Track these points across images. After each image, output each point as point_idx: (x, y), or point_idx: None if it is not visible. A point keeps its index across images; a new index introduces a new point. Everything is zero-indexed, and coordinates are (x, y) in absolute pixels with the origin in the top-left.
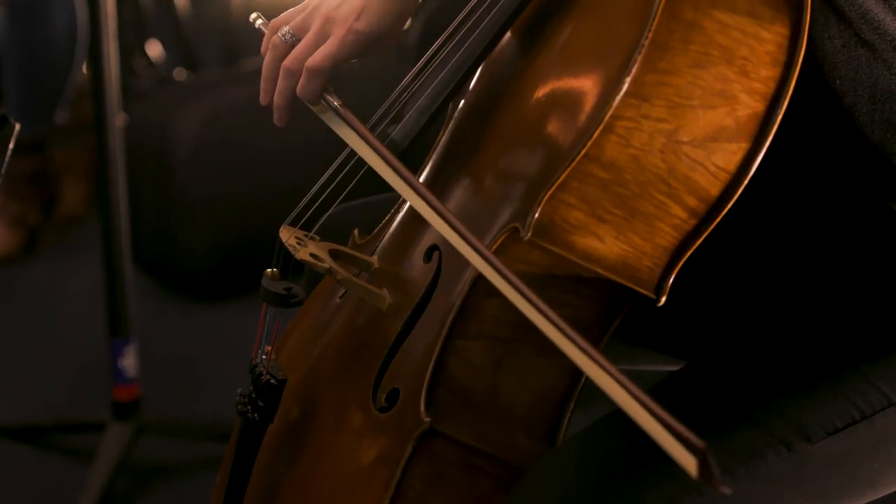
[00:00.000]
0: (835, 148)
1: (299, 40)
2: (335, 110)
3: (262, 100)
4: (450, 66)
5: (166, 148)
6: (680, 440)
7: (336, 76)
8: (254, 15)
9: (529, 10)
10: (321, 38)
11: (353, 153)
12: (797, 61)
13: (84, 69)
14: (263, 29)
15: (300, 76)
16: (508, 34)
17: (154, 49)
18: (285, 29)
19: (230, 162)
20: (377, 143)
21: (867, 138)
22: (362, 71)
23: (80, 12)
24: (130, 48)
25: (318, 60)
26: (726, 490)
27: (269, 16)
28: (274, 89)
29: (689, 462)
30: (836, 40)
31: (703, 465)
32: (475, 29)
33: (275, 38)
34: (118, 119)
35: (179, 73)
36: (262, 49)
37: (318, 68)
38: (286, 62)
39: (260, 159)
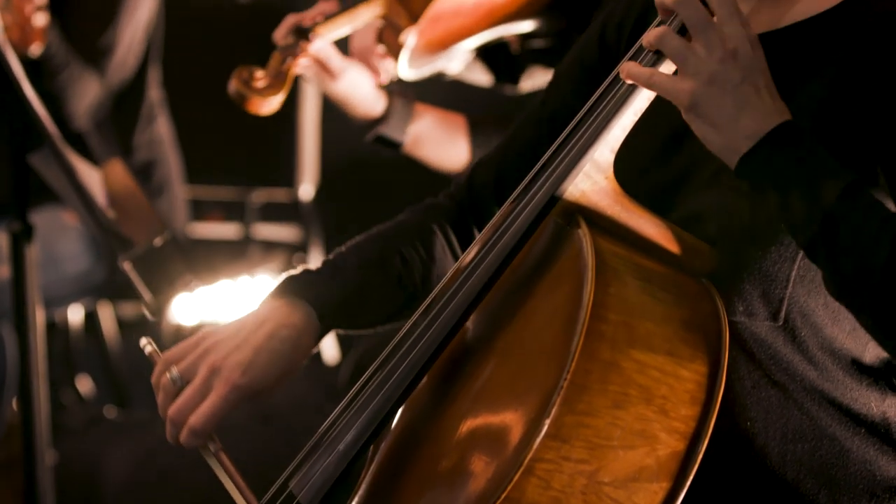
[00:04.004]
0: (749, 491)
1: (187, 383)
2: (216, 457)
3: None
4: (368, 410)
5: (96, 487)
6: None
7: (265, 413)
8: (144, 340)
9: (448, 350)
10: (205, 391)
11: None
12: (717, 399)
13: (13, 405)
14: (155, 357)
15: (183, 426)
16: (429, 374)
17: (84, 384)
18: (175, 371)
19: (162, 502)
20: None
21: (781, 479)
22: (290, 407)
23: (10, 348)
24: (60, 383)
25: (200, 422)
26: None
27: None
28: None
29: None
30: (745, 381)
31: None
32: (395, 370)
33: (164, 379)
34: (48, 456)
35: (110, 411)
36: (153, 381)
37: (198, 430)
38: (171, 413)
39: (193, 498)
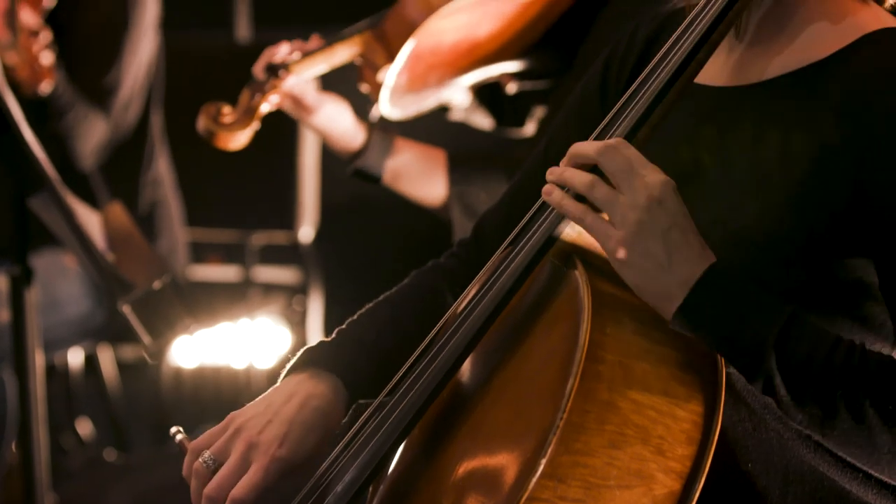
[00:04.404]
0: None
1: (221, 465)
2: None
3: None
4: (367, 451)
5: None
6: None
7: None
8: (174, 429)
9: (446, 391)
10: (244, 466)
11: None
12: (713, 439)
13: (13, 448)
14: (185, 444)
15: (223, 502)
16: (426, 414)
17: (84, 427)
18: (207, 454)
19: None
20: None
21: None
22: None
23: (10, 390)
24: (60, 426)
25: (244, 493)
26: None
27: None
28: None
29: None
30: (746, 423)
31: None
32: (394, 411)
33: (196, 464)
34: (48, 500)
35: (109, 454)
36: (184, 472)
37: (242, 500)
38: (208, 490)
39: None
